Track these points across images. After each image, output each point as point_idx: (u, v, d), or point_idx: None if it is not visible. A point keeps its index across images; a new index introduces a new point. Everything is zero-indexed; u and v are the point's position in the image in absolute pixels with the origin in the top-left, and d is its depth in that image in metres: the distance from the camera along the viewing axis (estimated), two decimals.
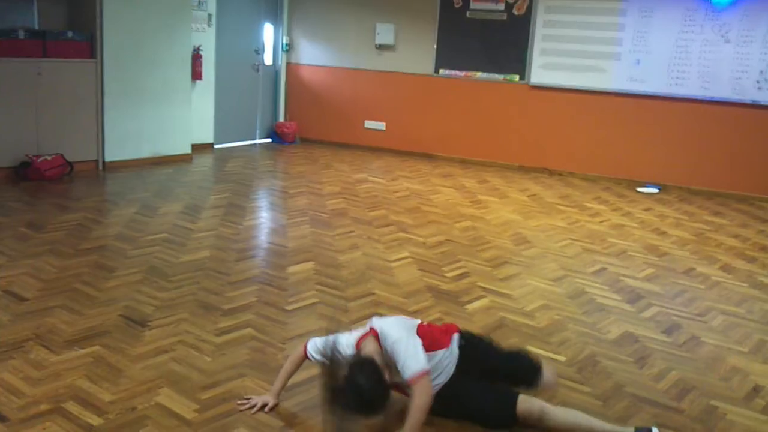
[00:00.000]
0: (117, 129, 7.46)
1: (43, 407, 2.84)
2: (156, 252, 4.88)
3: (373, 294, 4.34)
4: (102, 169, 7.38)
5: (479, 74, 8.91)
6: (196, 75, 8.46)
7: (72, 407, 2.85)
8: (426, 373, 2.72)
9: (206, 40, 8.67)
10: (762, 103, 7.66)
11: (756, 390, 3.40)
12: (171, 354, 3.37)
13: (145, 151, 7.80)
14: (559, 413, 2.87)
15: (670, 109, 8.11)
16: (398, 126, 9.66)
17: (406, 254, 5.18)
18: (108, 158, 7.44)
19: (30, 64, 6.69)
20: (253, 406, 2.93)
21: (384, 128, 9.77)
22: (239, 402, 2.98)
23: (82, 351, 3.35)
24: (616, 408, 3.14)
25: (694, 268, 5.28)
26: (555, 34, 8.48)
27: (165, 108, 7.92)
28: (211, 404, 2.95)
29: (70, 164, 7.00)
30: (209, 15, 8.71)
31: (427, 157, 9.39)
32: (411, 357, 2.72)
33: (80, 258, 4.66)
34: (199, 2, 8.53)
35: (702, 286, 4.89)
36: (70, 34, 7.04)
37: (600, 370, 3.52)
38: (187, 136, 8.27)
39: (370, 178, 7.90)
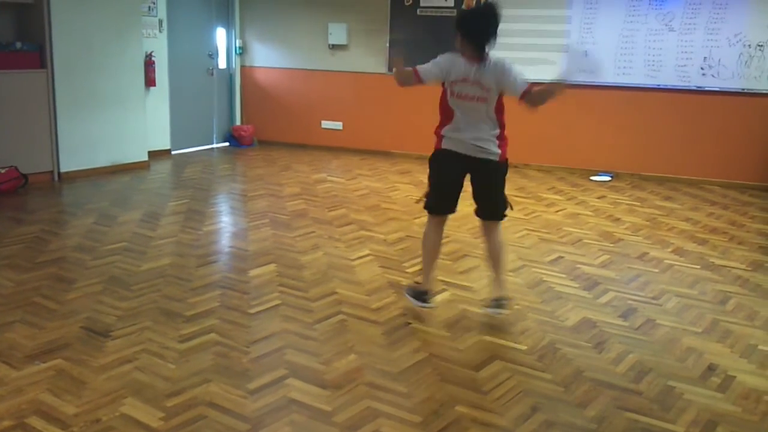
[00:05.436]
0: (71, 139, 7.38)
1: (6, 423, 2.83)
2: (116, 261, 4.85)
3: (336, 293, 4.37)
4: (58, 180, 7.29)
5: None
6: (150, 81, 8.39)
7: (35, 422, 2.84)
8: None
9: (158, 46, 8.61)
10: (707, 88, 7.87)
11: (711, 369, 3.51)
12: (134, 363, 3.37)
13: (101, 160, 7.72)
14: None
15: (619, 98, 8.29)
16: (355, 125, 9.70)
17: (367, 252, 5.22)
18: (63, 169, 7.35)
19: None
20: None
21: (341, 127, 9.80)
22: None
23: (44, 365, 3.33)
24: (576, 393, 3.23)
25: (647, 253, 5.42)
26: (504, 28, 8.33)
27: (119, 116, 7.85)
28: (176, 411, 2.95)
29: (25, 176, 6.89)
30: (160, 20, 8.64)
31: (385, 154, 9.44)
32: (517, 72, 3.66)
33: (38, 271, 4.62)
34: (149, 8, 8.46)
35: (656, 270, 5.03)
36: (18, 44, 6.94)
37: (560, 357, 3.60)
38: (143, 143, 8.21)
39: (329, 178, 7.93)
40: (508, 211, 4.02)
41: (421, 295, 4.07)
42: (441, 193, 3.97)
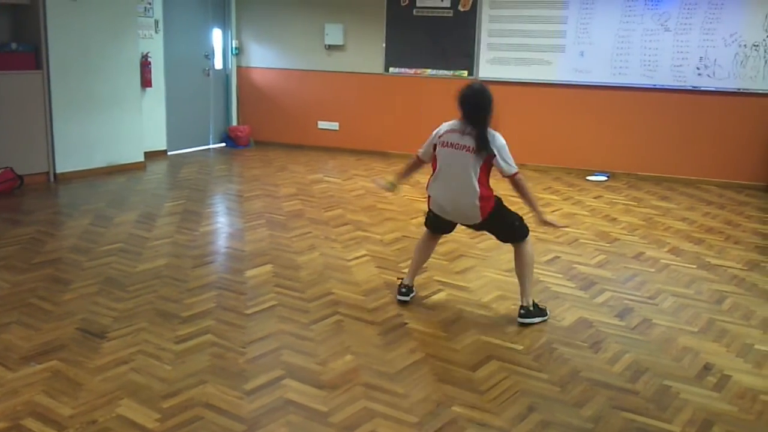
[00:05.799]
0: (67, 140, 7.36)
1: (1, 425, 2.82)
2: (112, 262, 4.84)
3: (332, 294, 4.37)
4: (54, 181, 7.28)
5: (429, 71, 9.00)
6: (146, 82, 8.38)
7: (31, 424, 2.84)
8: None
9: (154, 46, 8.60)
10: (702, 88, 7.89)
11: (707, 368, 3.52)
12: (130, 364, 3.36)
13: (97, 161, 7.71)
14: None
15: (615, 98, 8.30)
16: (351, 125, 9.70)
17: (364, 252, 5.22)
18: (59, 170, 7.34)
19: None
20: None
21: (337, 128, 9.80)
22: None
23: (40, 366, 3.32)
24: (573, 393, 3.23)
25: (643, 253, 5.42)
26: (500, 28, 8.60)
27: (115, 116, 7.84)
28: (173, 413, 2.95)
29: (21, 177, 6.88)
30: (156, 21, 8.63)
31: (382, 155, 9.44)
32: (511, 159, 3.91)
33: (34, 272, 4.61)
34: (146, 9, 8.45)
35: (652, 270, 5.03)
36: (14, 45, 6.93)
37: (557, 357, 3.61)
38: (139, 143, 8.20)
39: (326, 178, 7.93)
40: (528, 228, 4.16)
41: (399, 287, 4.29)
42: (434, 225, 4.27)
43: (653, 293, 4.56)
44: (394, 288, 4.44)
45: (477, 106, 3.89)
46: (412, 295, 4.27)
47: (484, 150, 3.82)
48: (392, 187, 4.43)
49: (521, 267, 4.07)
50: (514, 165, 3.92)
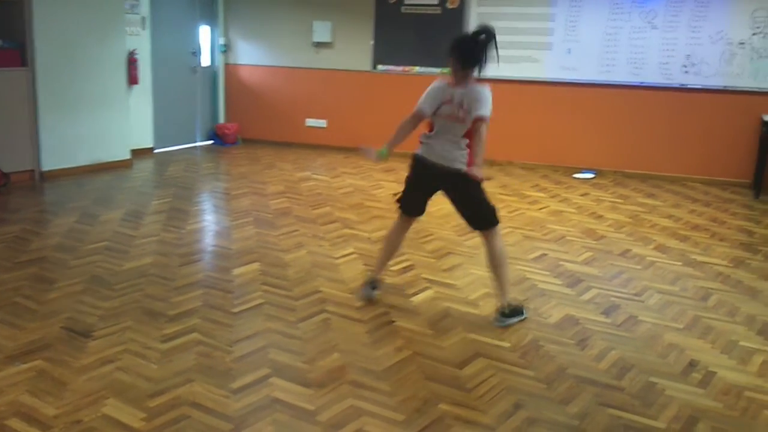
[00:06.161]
0: (53, 137, 7.31)
1: None
2: (98, 261, 4.82)
3: (320, 291, 4.37)
4: (39, 179, 7.23)
5: (417, 68, 9.01)
6: (133, 79, 8.33)
7: (15, 424, 2.82)
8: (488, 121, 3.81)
9: (141, 43, 8.55)
10: (689, 86, 7.93)
11: (692, 365, 3.54)
12: (116, 363, 3.35)
13: (84, 159, 7.66)
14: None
15: (602, 95, 8.33)
16: (339, 123, 9.69)
17: (352, 250, 5.22)
18: (45, 167, 7.29)
19: None
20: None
21: (325, 125, 9.78)
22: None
23: (24, 366, 3.30)
24: (559, 390, 3.24)
25: (630, 250, 5.45)
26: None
27: (102, 114, 7.79)
28: (159, 412, 2.94)
29: (6, 175, 6.83)
30: (143, 18, 8.58)
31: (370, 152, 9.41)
32: (489, 104, 3.80)
33: (19, 271, 4.58)
34: (132, 5, 8.40)
35: (638, 267, 5.06)
36: None
37: (543, 354, 3.62)
38: (125, 141, 8.16)
39: (314, 176, 7.92)
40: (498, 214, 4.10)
41: (368, 282, 4.28)
42: (410, 194, 4.18)
43: (639, 290, 4.58)
44: (382, 286, 4.44)
45: (466, 50, 3.85)
46: (377, 290, 4.28)
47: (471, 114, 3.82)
48: (384, 157, 4.15)
49: (495, 265, 4.02)
50: (485, 110, 3.80)
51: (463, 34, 4.06)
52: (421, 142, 4.07)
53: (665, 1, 7.86)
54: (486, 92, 3.86)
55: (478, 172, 3.81)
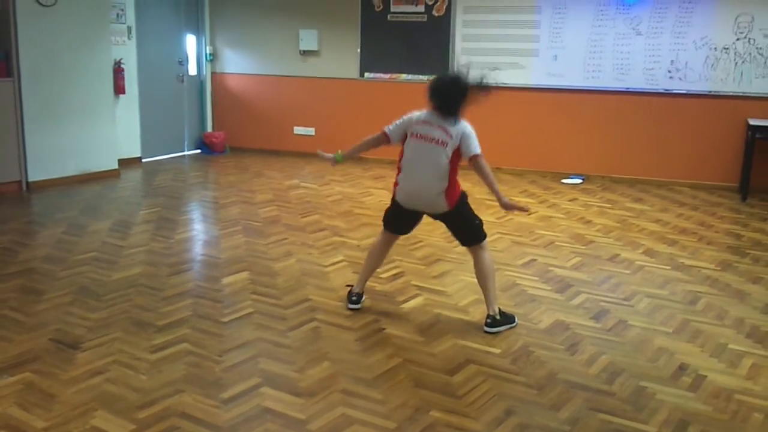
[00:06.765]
0: (40, 148, 7.28)
1: None
2: (86, 272, 4.79)
3: (309, 300, 4.36)
4: (26, 190, 7.19)
5: (404, 76, 9.03)
6: (119, 89, 8.32)
7: None
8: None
9: (127, 53, 8.53)
10: (674, 91, 7.99)
11: (682, 368, 3.55)
12: (105, 375, 3.32)
13: (71, 169, 7.63)
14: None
15: (589, 101, 8.38)
16: (327, 130, 9.68)
17: (341, 258, 5.21)
18: (32, 178, 7.25)
19: None
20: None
21: (313, 133, 9.78)
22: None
23: (12, 378, 3.27)
24: (550, 395, 3.24)
25: (618, 254, 5.47)
26: (474, 33, 8.65)
27: (89, 124, 7.76)
28: (148, 423, 2.92)
29: None
30: (129, 27, 8.56)
31: (358, 160, 9.41)
32: (476, 144, 3.83)
33: (6, 283, 4.54)
34: (118, 15, 8.38)
35: (627, 271, 5.07)
36: None
37: (533, 360, 3.62)
38: (113, 151, 8.13)
39: (302, 184, 7.91)
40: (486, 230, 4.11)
41: (350, 295, 4.26)
42: (394, 221, 4.19)
43: (628, 295, 4.60)
44: (371, 293, 4.43)
45: (447, 98, 3.84)
46: (362, 301, 4.25)
47: (454, 142, 3.81)
48: (340, 160, 4.21)
49: (482, 277, 4.02)
50: (477, 148, 3.83)
51: (445, 78, 4.01)
52: (396, 185, 4.04)
53: (650, 7, 7.91)
54: (470, 128, 3.88)
55: (514, 204, 3.92)
